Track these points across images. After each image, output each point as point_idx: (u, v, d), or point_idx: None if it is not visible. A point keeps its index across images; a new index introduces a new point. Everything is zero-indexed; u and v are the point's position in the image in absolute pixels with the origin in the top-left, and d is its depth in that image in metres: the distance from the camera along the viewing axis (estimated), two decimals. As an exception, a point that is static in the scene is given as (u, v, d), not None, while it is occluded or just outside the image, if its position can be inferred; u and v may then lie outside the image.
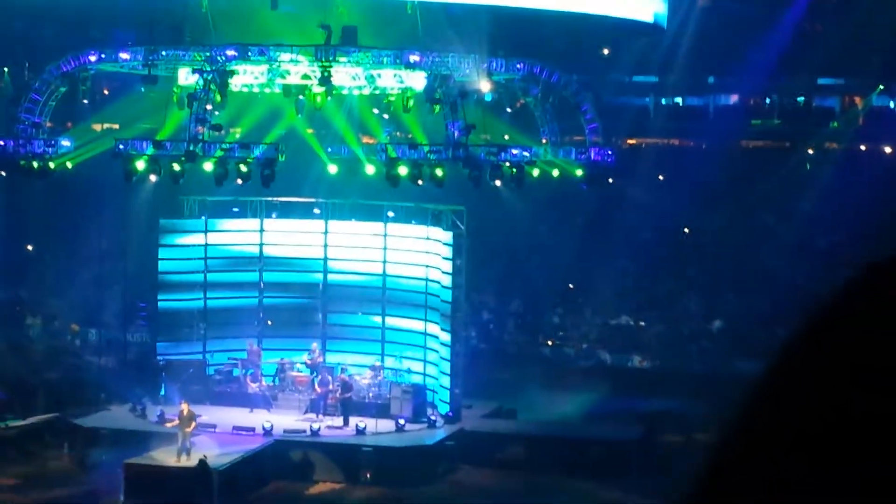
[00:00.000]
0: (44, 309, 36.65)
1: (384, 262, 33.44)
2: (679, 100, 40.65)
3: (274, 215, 34.26)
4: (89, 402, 30.76)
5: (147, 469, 27.01)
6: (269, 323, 33.73)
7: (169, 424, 28.56)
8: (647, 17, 34.66)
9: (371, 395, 31.38)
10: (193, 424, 28.10)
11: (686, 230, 37.54)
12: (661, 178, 38.63)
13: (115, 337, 35.42)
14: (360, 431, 29.81)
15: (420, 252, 32.84)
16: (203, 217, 33.92)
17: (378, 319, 33.34)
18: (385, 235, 33.43)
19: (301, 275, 33.88)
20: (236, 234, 34.24)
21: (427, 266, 32.62)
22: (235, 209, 34.27)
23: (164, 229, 33.56)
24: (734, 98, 39.98)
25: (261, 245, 34.22)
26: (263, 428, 29.53)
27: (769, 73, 38.16)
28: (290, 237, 34.18)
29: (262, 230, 34.26)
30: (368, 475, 28.23)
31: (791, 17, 37.73)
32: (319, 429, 29.81)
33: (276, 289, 33.94)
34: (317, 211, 34.21)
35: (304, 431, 29.68)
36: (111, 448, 27.71)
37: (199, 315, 33.53)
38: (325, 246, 33.98)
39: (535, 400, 31.36)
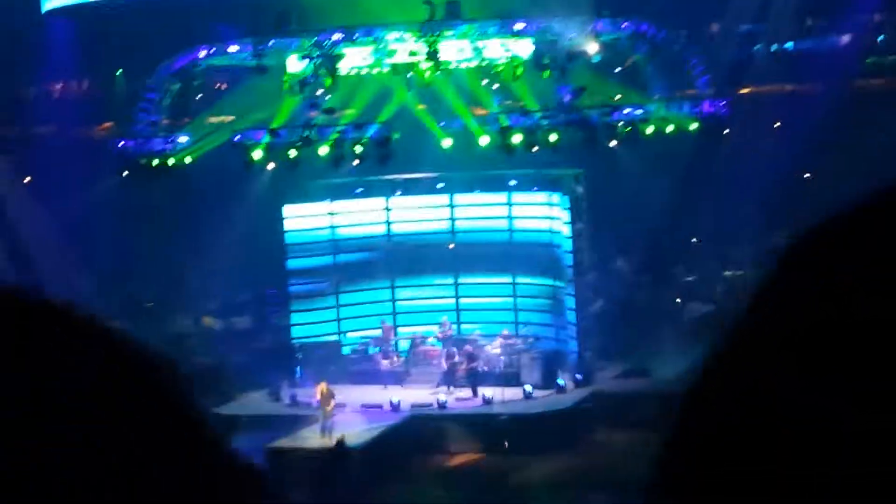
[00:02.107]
0: (174, 303, 37.23)
1: (510, 230, 33.59)
2: (790, 45, 40.12)
3: (398, 193, 34.48)
4: (227, 391, 31.17)
5: (288, 452, 27.41)
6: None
7: (315, 396, 28.92)
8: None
9: (501, 363, 31.54)
10: (333, 403, 28.57)
11: (807, 175, 37.04)
12: (777, 125, 38.23)
13: (249, 324, 35.96)
14: (487, 401, 30.01)
15: (543, 218, 32.98)
16: (328, 200, 34.28)
17: (508, 288, 33.52)
18: (510, 204, 33.57)
19: (430, 250, 34.07)
20: (362, 215, 34.55)
21: (551, 231, 32.77)
22: (359, 190, 34.49)
23: (290, 215, 34.02)
24: (845, 38, 39.39)
25: (388, 223, 34.52)
26: (391, 404, 29.85)
27: (879, 9, 37.61)
28: (416, 213, 34.46)
29: (387, 208, 34.51)
30: (506, 444, 28.29)
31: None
32: (447, 401, 30.04)
33: (406, 265, 34.22)
34: (440, 186, 34.38)
35: (432, 405, 29.95)
36: (252, 434, 28.07)
37: (331, 295, 33.94)
38: (452, 219, 34.16)
39: (667, 358, 31.19)
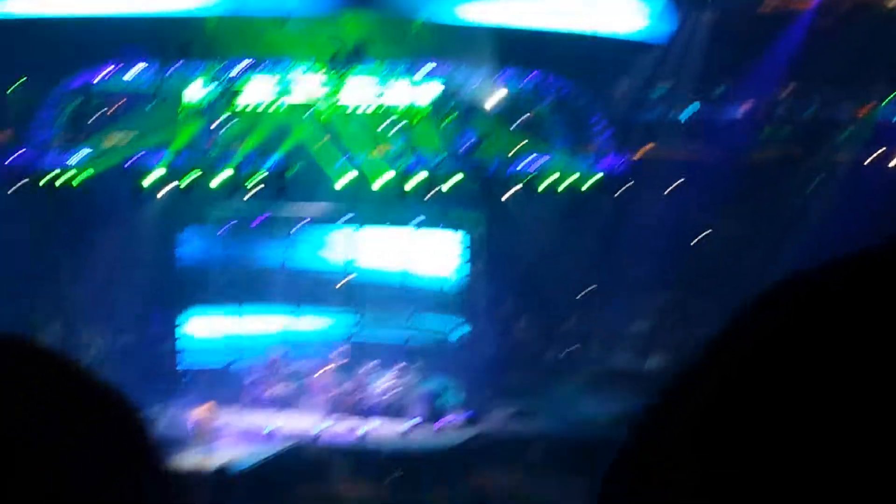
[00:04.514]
0: (59, 320, 36.52)
1: (412, 266, 33.60)
2: (689, 112, 40.71)
3: (300, 223, 34.27)
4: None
5: (171, 475, 26.86)
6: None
7: (193, 419, 28.70)
8: (646, 36, 34.83)
9: (390, 397, 31.48)
10: (212, 427, 28.30)
11: (697, 239, 37.54)
12: (671, 188, 38.66)
13: (135, 346, 35.39)
14: (369, 434, 29.95)
15: (442, 257, 33.07)
16: (225, 227, 33.95)
17: (405, 323, 33.49)
18: (411, 241, 33.57)
19: (331, 281, 34.04)
20: (262, 245, 34.27)
21: (449, 270, 32.90)
22: (258, 221, 34.23)
23: (184, 240, 33.68)
24: (744, 108, 40.05)
25: (288, 253, 34.23)
26: (273, 431, 29.70)
27: (778, 84, 38.28)
28: (317, 245, 34.34)
29: (289, 239, 34.24)
30: (392, 477, 28.13)
31: (798, 27, 37.85)
32: (325, 431, 29.87)
33: (305, 295, 34.04)
34: (343, 219, 34.24)
35: (316, 434, 29.77)
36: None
37: (224, 319, 33.57)
38: (354, 252, 34.15)
39: (553, 403, 31.43)
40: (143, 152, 32.35)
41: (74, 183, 32.68)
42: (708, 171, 36.80)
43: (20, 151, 32.82)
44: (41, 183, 32.45)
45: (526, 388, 32.65)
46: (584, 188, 32.88)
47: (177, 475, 1.53)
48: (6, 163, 33.08)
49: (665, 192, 37.43)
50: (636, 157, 35.80)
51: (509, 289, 35.61)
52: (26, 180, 32.47)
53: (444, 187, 31.84)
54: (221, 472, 26.71)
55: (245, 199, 32.18)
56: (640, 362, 34.74)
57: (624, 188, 32.88)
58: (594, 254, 36.00)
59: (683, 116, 39.17)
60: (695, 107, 38.94)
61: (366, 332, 33.69)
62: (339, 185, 32.78)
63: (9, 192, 33.63)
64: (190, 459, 27.70)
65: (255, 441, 29.36)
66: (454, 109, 32.01)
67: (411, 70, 32.05)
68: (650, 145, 37.62)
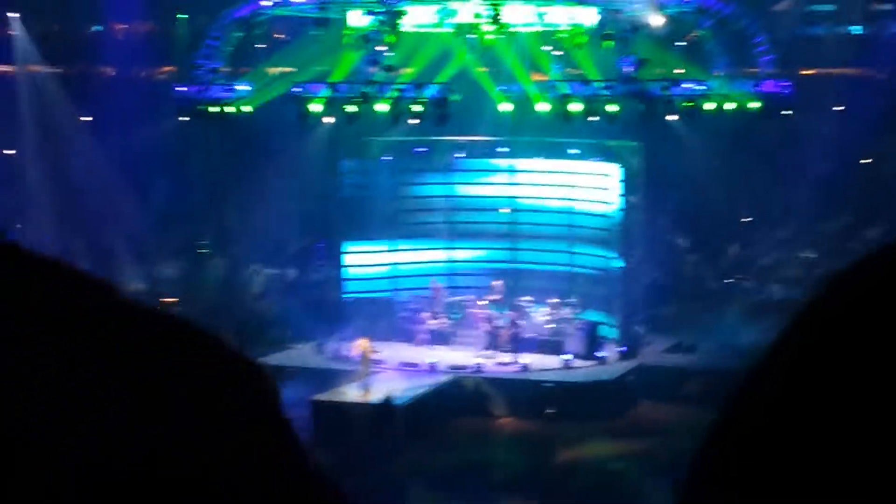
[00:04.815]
0: (226, 250, 37.40)
1: (568, 198, 33.45)
2: (854, 32, 39.79)
3: (459, 154, 34.36)
4: (273, 342, 31.26)
5: (333, 405, 27.57)
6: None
7: (354, 351, 29.19)
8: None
9: (547, 331, 31.57)
10: (371, 359, 28.80)
11: (865, 161, 36.79)
12: (838, 109, 37.94)
13: (301, 276, 36.05)
14: (526, 367, 30.08)
15: (600, 189, 32.82)
16: (387, 157, 34.18)
17: (562, 256, 33.43)
18: (569, 172, 33.41)
19: (489, 214, 34.12)
20: (423, 174, 34.44)
21: (606, 202, 32.63)
22: (420, 149, 34.34)
23: (347, 169, 34.00)
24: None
25: (447, 184, 34.43)
26: (430, 364, 30.05)
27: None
28: (476, 175, 34.39)
29: (448, 169, 34.42)
30: (550, 411, 28.28)
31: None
32: (483, 365, 30.13)
33: (463, 226, 34.21)
34: (501, 150, 34.20)
35: (469, 367, 30.04)
36: (296, 385, 28.12)
37: (385, 252, 33.99)
38: (512, 183, 34.12)
39: (715, 334, 31.12)
40: (306, 81, 32.71)
41: (241, 111, 33.19)
42: (874, 92, 36.07)
43: (188, 82, 33.46)
44: (210, 111, 32.98)
45: (685, 320, 32.49)
46: (747, 110, 32.33)
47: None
48: (176, 92, 33.81)
49: (831, 113, 36.81)
50: (801, 77, 35.15)
51: (668, 219, 35.37)
52: (195, 109, 33.10)
53: (604, 112, 31.65)
54: (382, 404, 27.11)
55: (407, 123, 32.37)
56: (802, 292, 34.26)
57: (788, 111, 32.25)
58: (757, 180, 35.58)
59: (848, 35, 38.41)
60: (859, 27, 38.19)
61: (524, 264, 33.77)
62: (500, 111, 32.86)
63: (178, 120, 34.50)
64: (351, 392, 28.34)
65: (415, 373, 29.81)
66: (614, 33, 31.70)
67: (571, -6, 31.77)
68: (815, 68, 37.03)
